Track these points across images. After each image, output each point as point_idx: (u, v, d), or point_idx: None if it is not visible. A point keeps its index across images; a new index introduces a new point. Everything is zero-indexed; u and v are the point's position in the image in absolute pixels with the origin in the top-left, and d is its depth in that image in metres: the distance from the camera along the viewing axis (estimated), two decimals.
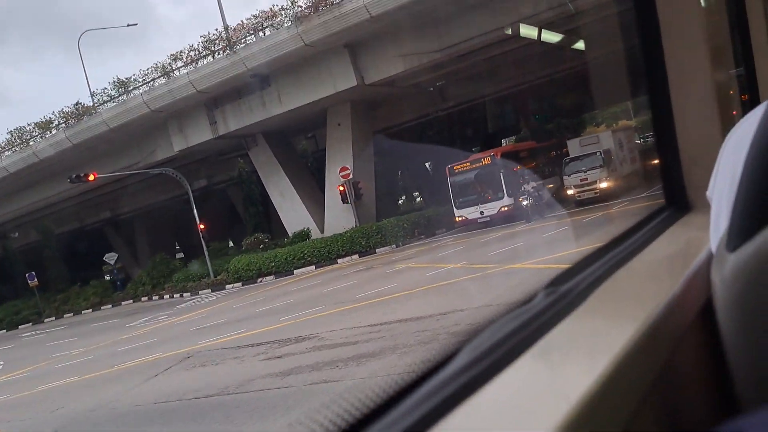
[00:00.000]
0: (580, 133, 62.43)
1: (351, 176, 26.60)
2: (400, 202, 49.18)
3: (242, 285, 27.35)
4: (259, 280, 27.00)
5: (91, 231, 45.15)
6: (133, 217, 44.59)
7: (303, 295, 18.40)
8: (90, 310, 36.89)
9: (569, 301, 1.10)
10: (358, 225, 26.56)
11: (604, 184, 22.27)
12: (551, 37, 26.96)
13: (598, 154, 22.58)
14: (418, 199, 46.24)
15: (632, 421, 0.86)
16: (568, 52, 30.17)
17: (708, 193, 1.18)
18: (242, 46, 24.52)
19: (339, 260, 25.96)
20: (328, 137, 27.60)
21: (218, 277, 28.83)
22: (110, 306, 36.18)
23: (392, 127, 32.81)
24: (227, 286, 28.01)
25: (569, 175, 22.95)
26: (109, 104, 28.64)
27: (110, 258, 37.76)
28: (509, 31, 23.54)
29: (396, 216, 28.31)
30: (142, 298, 34.22)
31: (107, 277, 40.06)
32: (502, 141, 58.70)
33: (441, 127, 37.21)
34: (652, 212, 1.91)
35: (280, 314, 15.34)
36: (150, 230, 45.34)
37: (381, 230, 26.10)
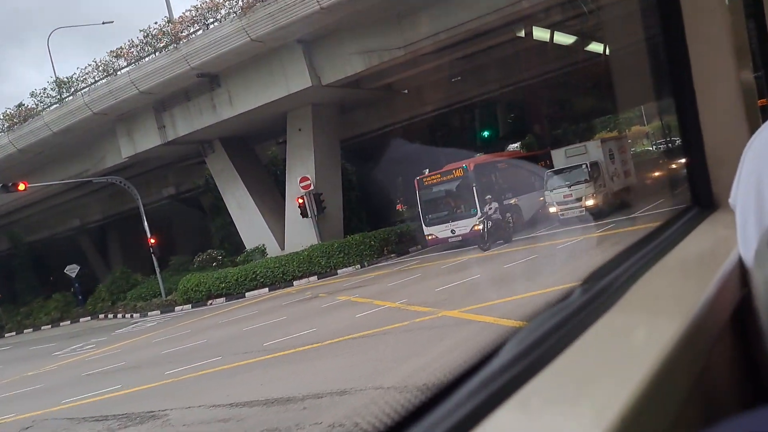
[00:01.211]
0: (590, 138, 59.15)
1: (312, 187, 23.80)
2: (404, 209, 46.17)
3: (192, 307, 24.65)
4: (209, 302, 24.28)
5: (62, 240, 42.75)
6: (106, 224, 42.18)
7: (222, 333, 15.72)
8: (50, 325, 34.64)
9: (606, 298, 1.12)
10: (319, 242, 23.74)
11: (590, 202, 19.17)
12: (543, 33, 24.10)
13: (584, 166, 19.45)
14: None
15: (676, 422, 0.86)
16: (572, 50, 27.27)
17: (731, 200, 1.21)
18: (184, 41, 21.73)
19: (295, 282, 23.16)
20: (288, 144, 24.84)
21: (169, 298, 26.18)
22: (69, 322, 33.83)
23: (370, 133, 29.95)
24: (176, 308, 25.34)
25: (551, 191, 19.87)
26: (52, 106, 25.98)
27: (71, 270, 35.22)
28: (522, 33, 20.88)
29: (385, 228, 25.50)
30: (100, 316, 31.76)
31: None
32: (509, 147, 55.63)
33: (433, 132, 34.33)
34: (679, 211, 1.97)
35: (177, 363, 12.70)
36: (126, 239, 42.77)
37: (343, 248, 23.26)
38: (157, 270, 26.93)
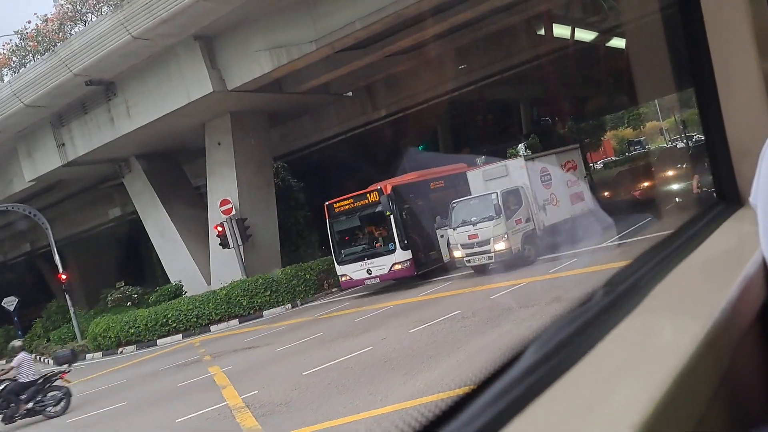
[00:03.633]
0: (601, 137, 53.81)
1: (234, 211, 19.93)
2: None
3: (102, 356, 20.99)
4: (120, 350, 20.54)
5: (16, 265, 39.49)
6: (64, 246, 38.68)
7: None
8: None
9: (628, 300, 1.11)
10: (243, 277, 19.88)
11: (501, 245, 14.25)
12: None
13: (493, 197, 14.55)
14: None
15: (702, 422, 0.86)
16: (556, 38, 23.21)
17: (751, 199, 1.19)
18: (61, 43, 18.00)
19: (213, 327, 19.32)
20: (207, 161, 21.02)
21: (80, 343, 22.52)
22: (5, 361, 30.38)
23: (319, 143, 26.05)
24: (88, 356, 21.66)
25: (455, 229, 14.92)
26: None
27: (9, 303, 31.71)
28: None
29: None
30: (33, 354, 28.22)
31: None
32: (519, 148, 50.94)
33: (399, 137, 30.25)
34: (704, 207, 1.93)
35: None
36: (89, 261, 39.22)
37: (270, 285, 19.34)
38: (71, 310, 23.42)
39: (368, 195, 16.41)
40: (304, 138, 25.78)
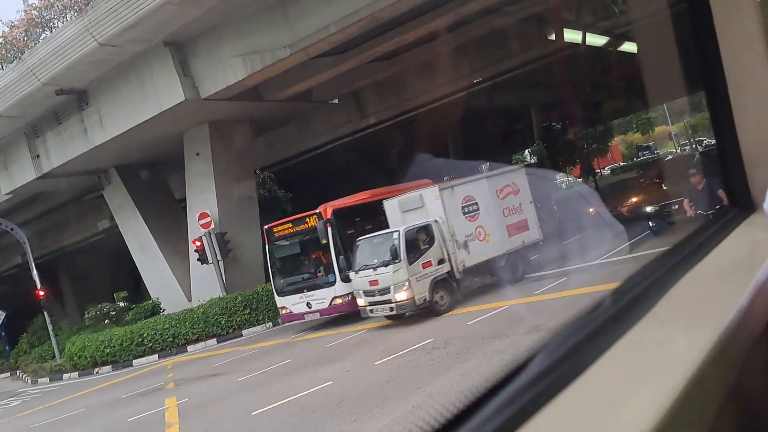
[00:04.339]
0: (608, 142, 52.14)
1: (213, 225, 19.04)
2: None
3: (79, 376, 20.13)
4: (96, 370, 19.68)
5: (5, 278, 38.74)
6: (55, 259, 37.96)
7: None
8: None
9: (637, 307, 1.08)
10: (222, 294, 18.98)
11: (402, 295, 11.95)
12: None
13: (394, 235, 12.22)
14: None
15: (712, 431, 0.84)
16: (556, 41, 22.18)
17: (765, 205, 1.20)
18: (28, 51, 17.23)
19: (189, 348, 18.43)
20: (186, 172, 20.16)
21: (58, 362, 21.69)
22: None
23: (308, 152, 25.14)
24: (65, 376, 20.83)
25: (357, 273, 12.77)
26: None
27: None
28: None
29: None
30: (18, 372, 27.57)
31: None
32: (525, 153, 49.66)
33: (392, 145, 29.29)
34: (716, 213, 2.09)
35: None
36: (82, 274, 38.47)
37: (249, 302, 18.42)
38: (50, 327, 22.61)
39: (307, 219, 14.64)
40: (291, 147, 24.91)
